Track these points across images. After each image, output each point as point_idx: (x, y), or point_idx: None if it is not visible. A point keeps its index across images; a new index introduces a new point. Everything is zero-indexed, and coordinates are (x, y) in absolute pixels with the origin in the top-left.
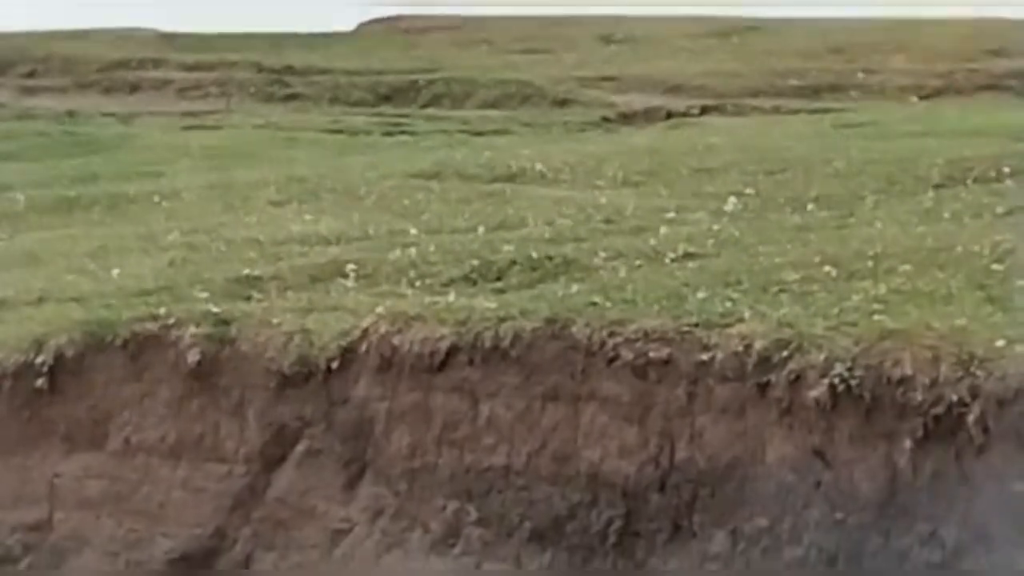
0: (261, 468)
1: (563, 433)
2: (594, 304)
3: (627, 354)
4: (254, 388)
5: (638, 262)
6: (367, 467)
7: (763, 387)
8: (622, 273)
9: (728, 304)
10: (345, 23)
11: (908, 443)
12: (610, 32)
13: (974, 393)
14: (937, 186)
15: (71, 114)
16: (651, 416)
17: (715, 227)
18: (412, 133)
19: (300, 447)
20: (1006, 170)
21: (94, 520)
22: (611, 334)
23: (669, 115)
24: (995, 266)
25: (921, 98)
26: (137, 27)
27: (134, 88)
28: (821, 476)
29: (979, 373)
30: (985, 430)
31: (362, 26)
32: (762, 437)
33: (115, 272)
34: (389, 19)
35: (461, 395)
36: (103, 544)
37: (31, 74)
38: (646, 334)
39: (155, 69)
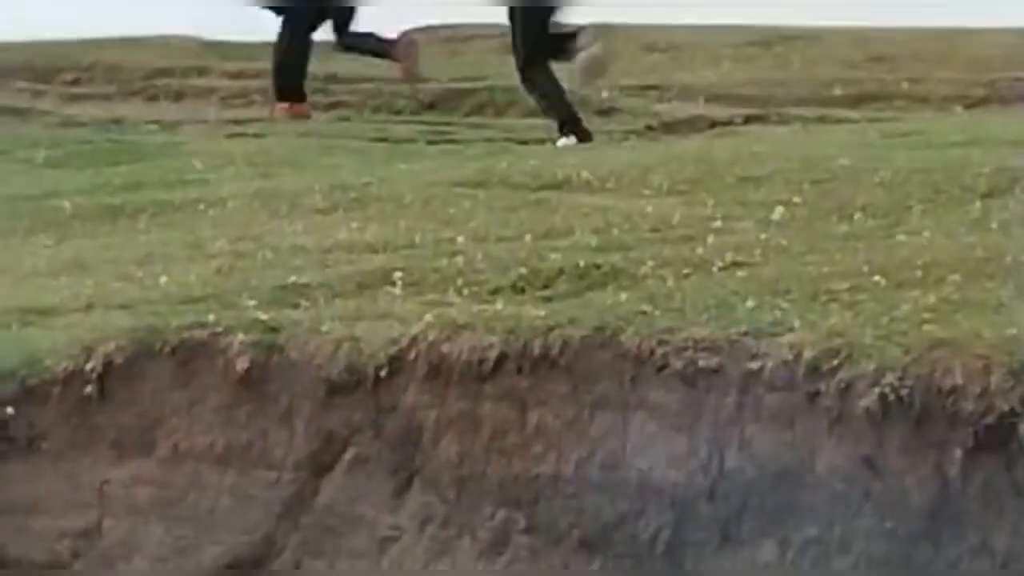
0: (310, 475)
1: (612, 441)
2: (643, 313)
3: (676, 363)
4: (303, 395)
5: (686, 271)
6: (415, 475)
7: (813, 396)
8: (670, 282)
9: (777, 313)
10: (387, 32)
11: (959, 453)
12: (653, 41)
13: None
14: (984, 196)
15: (116, 121)
16: (700, 425)
17: (762, 236)
18: (456, 141)
19: (348, 454)
20: None
21: (143, 526)
22: (660, 343)
23: (713, 124)
24: None
25: (965, 107)
26: (181, 35)
27: (179, 96)
28: (871, 485)
29: None
30: None
31: (404, 35)
32: (812, 446)
33: (162, 279)
34: (431, 28)
35: (510, 403)
36: (152, 550)
37: (75, 81)
38: (695, 343)
39: (199, 77)
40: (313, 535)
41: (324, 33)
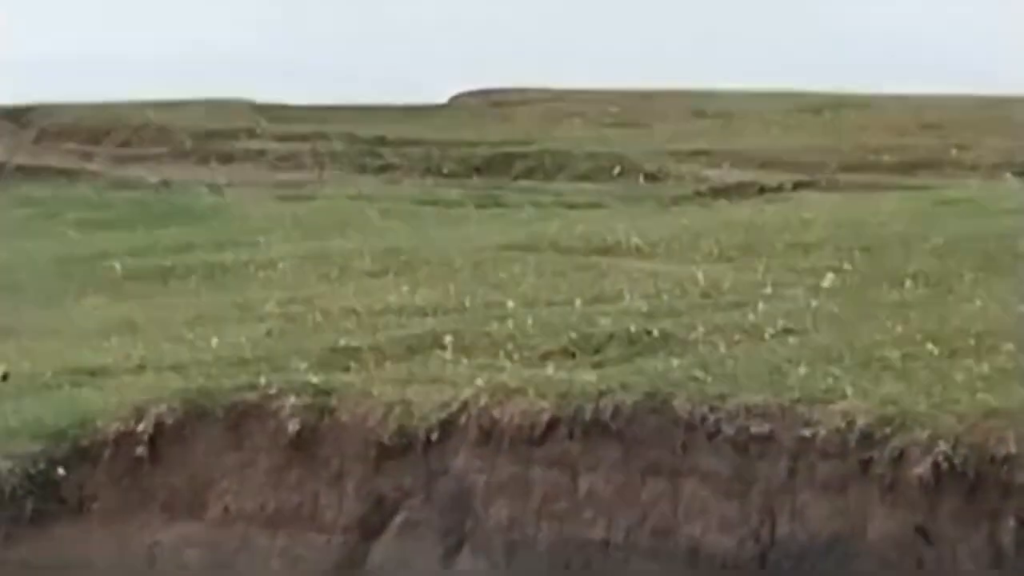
0: (360, 538)
1: (663, 507)
2: (695, 379)
3: (728, 429)
4: (353, 458)
5: (737, 337)
6: (466, 539)
7: (866, 464)
8: (721, 348)
9: (830, 381)
10: (437, 96)
11: (1012, 522)
12: (702, 107)
13: None
14: None
15: (166, 183)
16: (752, 491)
17: (813, 303)
18: (505, 205)
19: (399, 518)
20: None
21: None
22: (712, 409)
23: (762, 190)
24: None
25: (1015, 175)
26: (231, 98)
27: (228, 158)
28: (924, 554)
29: None
30: None
31: (454, 99)
32: (864, 514)
33: (213, 341)
34: (481, 92)
35: (561, 468)
36: None
37: (126, 143)
38: (747, 409)
39: (249, 139)
40: None
41: (371, 96)
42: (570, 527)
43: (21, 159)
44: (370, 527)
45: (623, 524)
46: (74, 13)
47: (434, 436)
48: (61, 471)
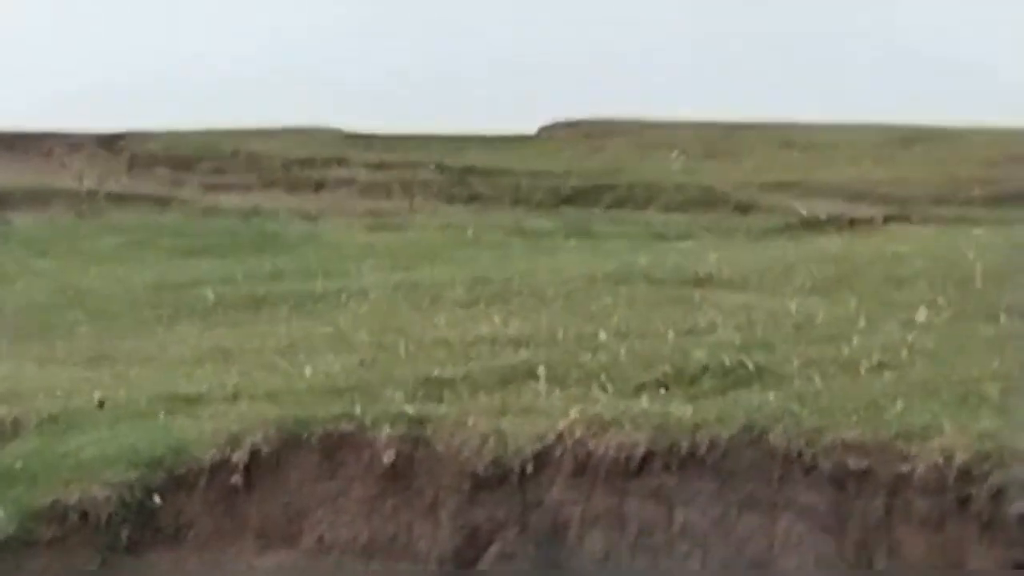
0: (454, 569)
1: (759, 542)
2: (791, 413)
3: (825, 464)
4: (448, 489)
5: (832, 371)
6: (561, 571)
7: (964, 500)
8: (817, 382)
9: (927, 416)
10: (526, 126)
11: None
12: (791, 138)
13: None
14: None
15: (256, 211)
16: (849, 527)
17: (908, 337)
18: (595, 236)
19: (493, 549)
20: None
21: None
22: (808, 443)
23: (852, 222)
24: None
25: None
26: (321, 126)
27: (318, 186)
28: None
29: None
30: None
31: (543, 129)
32: (962, 551)
33: (307, 370)
34: (570, 123)
35: (656, 501)
36: None
37: (216, 171)
38: (844, 444)
39: (339, 168)
40: None
41: (456, 126)
42: (665, 560)
43: (113, 186)
44: (464, 558)
45: (719, 558)
46: (164, 39)
47: (529, 468)
48: (157, 499)
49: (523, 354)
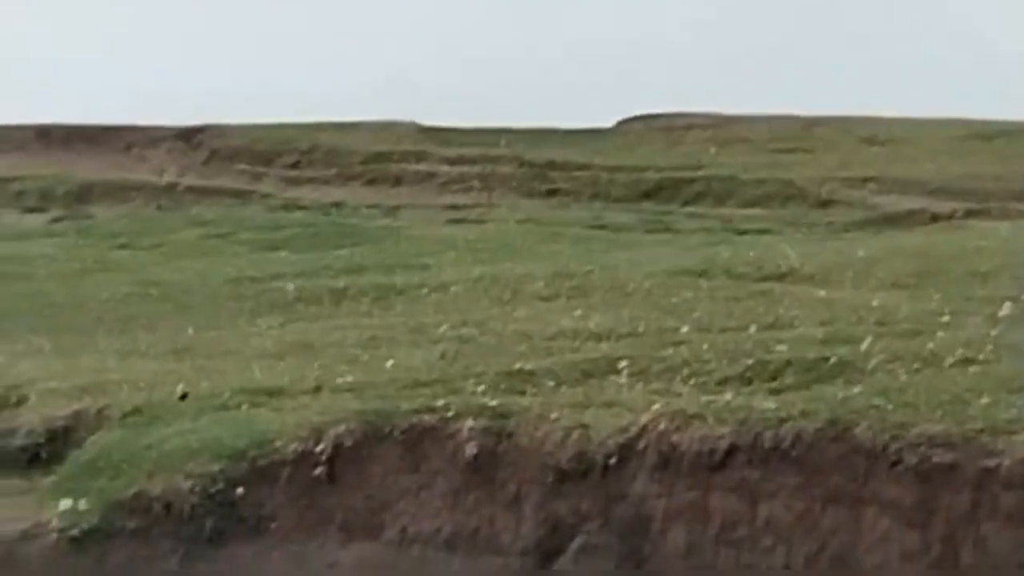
0: (537, 562)
1: (843, 536)
2: (875, 407)
3: (910, 458)
4: (531, 482)
5: (916, 365)
6: (644, 564)
7: None
8: (901, 376)
9: (1012, 411)
10: (605, 120)
11: None
12: (871, 133)
13: None
14: None
15: (336, 205)
16: (934, 521)
17: (992, 332)
18: (674, 230)
19: (577, 542)
20: None
21: None
22: (894, 438)
23: (933, 217)
24: None
25: None
26: (399, 120)
27: (397, 180)
28: None
29: None
30: None
31: (621, 123)
32: None
33: (388, 363)
34: (648, 117)
35: (740, 495)
36: None
37: (296, 165)
38: (930, 439)
39: (418, 162)
40: None
41: (534, 120)
42: (749, 554)
43: (192, 180)
44: (547, 551)
45: (802, 552)
46: (241, 43)
47: (612, 461)
48: (240, 491)
49: (604, 348)
